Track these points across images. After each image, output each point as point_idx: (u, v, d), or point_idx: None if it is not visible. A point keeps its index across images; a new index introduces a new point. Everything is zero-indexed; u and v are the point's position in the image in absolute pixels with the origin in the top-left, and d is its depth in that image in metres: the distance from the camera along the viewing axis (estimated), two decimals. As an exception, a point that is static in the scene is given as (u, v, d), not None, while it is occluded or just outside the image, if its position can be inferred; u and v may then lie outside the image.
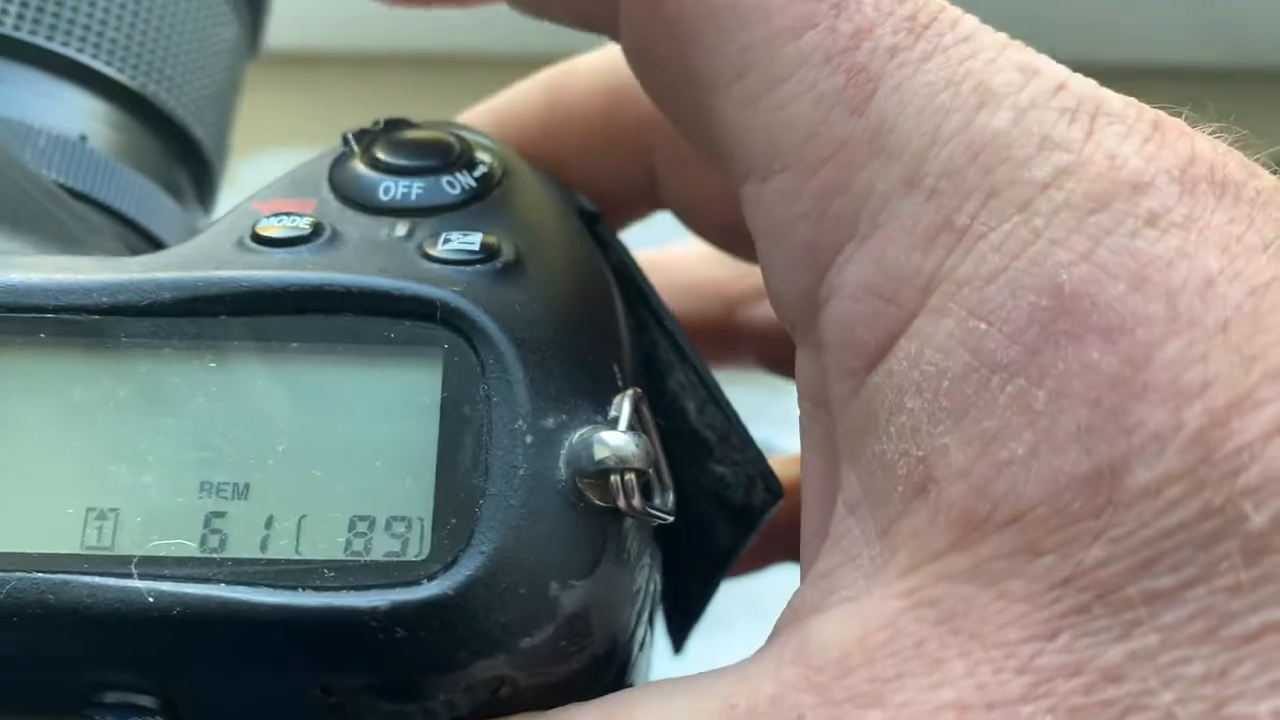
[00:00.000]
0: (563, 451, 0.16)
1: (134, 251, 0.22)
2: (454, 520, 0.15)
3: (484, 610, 0.15)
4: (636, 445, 0.16)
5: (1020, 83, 0.16)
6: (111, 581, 0.15)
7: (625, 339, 0.18)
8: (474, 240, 0.17)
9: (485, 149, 0.18)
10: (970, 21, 0.16)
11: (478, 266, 0.16)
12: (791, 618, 0.16)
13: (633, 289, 0.19)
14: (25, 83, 0.22)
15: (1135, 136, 0.16)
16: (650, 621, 0.18)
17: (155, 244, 0.23)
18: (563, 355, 0.16)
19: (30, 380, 0.16)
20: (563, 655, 0.16)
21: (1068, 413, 0.14)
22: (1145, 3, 0.60)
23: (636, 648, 0.17)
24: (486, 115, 0.22)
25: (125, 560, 0.15)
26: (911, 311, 0.15)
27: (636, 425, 0.16)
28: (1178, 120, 0.16)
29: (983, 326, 0.15)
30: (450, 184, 0.18)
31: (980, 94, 0.15)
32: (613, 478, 0.16)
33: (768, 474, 0.19)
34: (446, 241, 0.17)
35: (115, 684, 0.15)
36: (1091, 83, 0.16)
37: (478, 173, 0.18)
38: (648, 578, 0.17)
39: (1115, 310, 0.14)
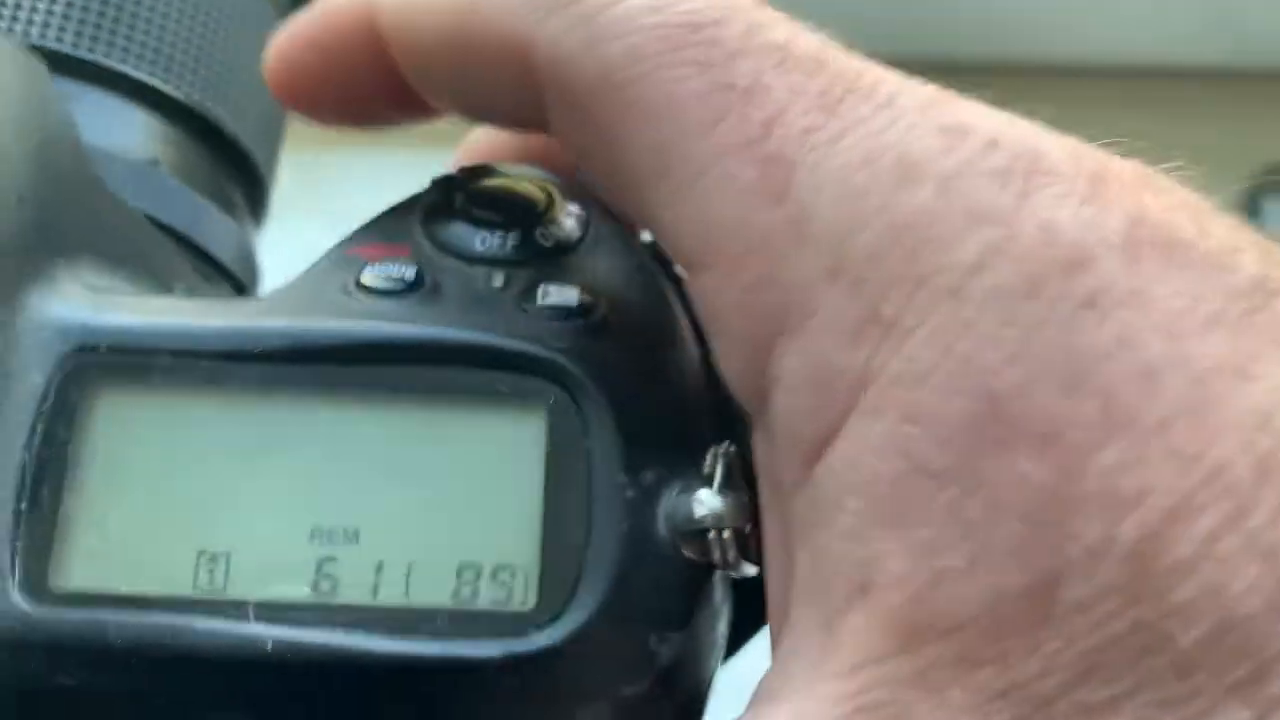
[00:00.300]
0: (661, 507, 0.16)
1: (205, 280, 0.22)
2: (559, 572, 0.16)
3: (590, 661, 0.16)
4: (733, 503, 0.16)
5: (944, 147, 0.15)
6: (227, 625, 0.15)
7: (706, 390, 0.18)
8: (571, 296, 0.17)
9: (573, 196, 0.19)
10: (891, 84, 0.15)
11: (576, 321, 0.17)
12: (756, 700, 0.16)
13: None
14: (95, 105, 0.22)
15: (1073, 198, 0.14)
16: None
17: (218, 268, 0.23)
18: (657, 410, 0.17)
19: (141, 423, 0.16)
20: (656, 705, 0.16)
21: (1003, 526, 0.14)
22: (1145, 3, 0.61)
23: (709, 693, 0.18)
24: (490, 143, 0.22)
25: (239, 604, 0.15)
26: (845, 408, 0.15)
27: (730, 482, 0.16)
28: (1125, 168, 0.15)
29: (915, 431, 0.14)
30: (543, 236, 0.18)
31: (900, 168, 0.15)
32: (710, 535, 0.16)
33: None
34: (545, 295, 0.17)
35: None
36: (1030, 131, 0.15)
37: (567, 224, 0.18)
38: (726, 625, 0.18)
39: (1047, 416, 0.14)
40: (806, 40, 0.16)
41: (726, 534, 0.16)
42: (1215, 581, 0.13)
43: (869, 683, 0.14)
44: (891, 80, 0.16)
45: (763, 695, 0.15)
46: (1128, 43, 0.70)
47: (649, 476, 0.16)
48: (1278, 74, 0.63)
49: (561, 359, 0.16)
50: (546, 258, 0.18)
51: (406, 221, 0.19)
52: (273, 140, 0.28)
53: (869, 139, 0.15)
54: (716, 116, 0.15)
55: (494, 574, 0.16)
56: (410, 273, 0.17)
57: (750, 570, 0.17)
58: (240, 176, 0.25)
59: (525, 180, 0.19)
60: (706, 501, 0.16)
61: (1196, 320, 0.14)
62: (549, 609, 0.15)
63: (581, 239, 0.18)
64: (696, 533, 0.16)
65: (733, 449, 0.17)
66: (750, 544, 0.17)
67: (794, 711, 0.14)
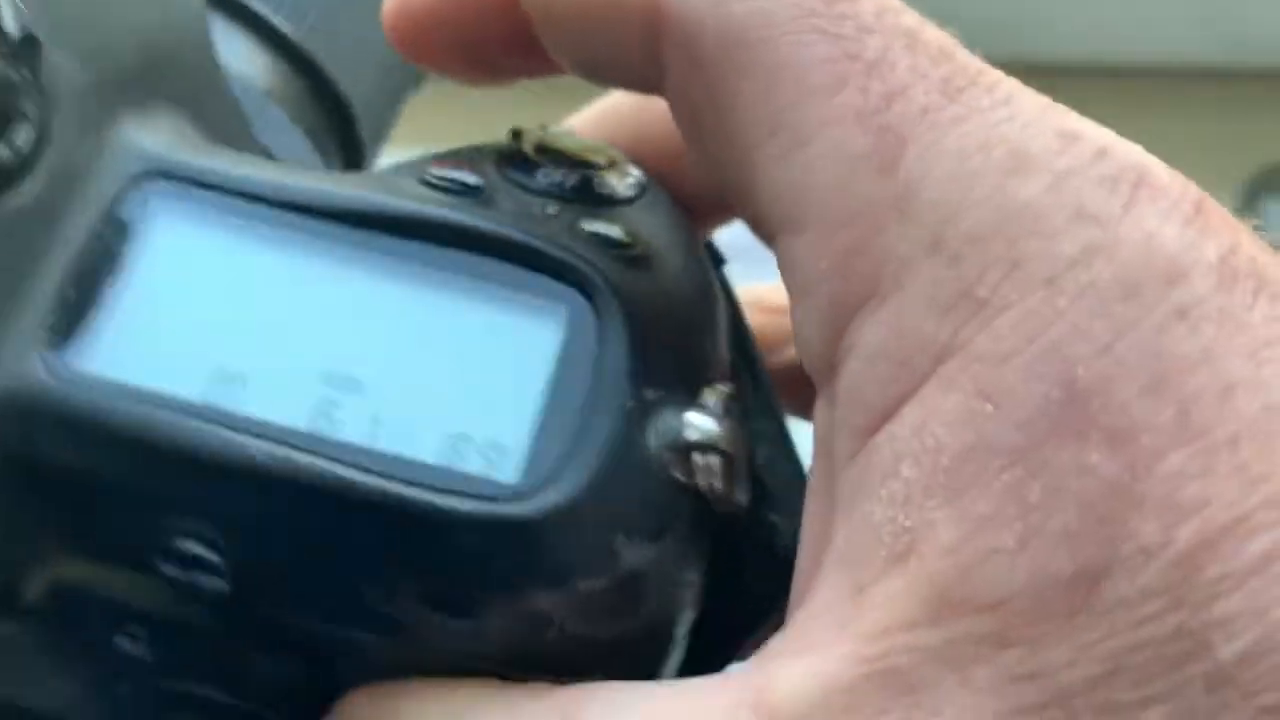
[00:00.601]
0: (656, 423, 0.17)
1: None
2: (545, 459, 0.16)
3: (555, 542, 0.16)
4: (723, 429, 0.17)
5: (1058, 149, 0.15)
6: (223, 434, 0.16)
7: (725, 355, 0.19)
8: (615, 230, 0.18)
9: (637, 167, 0.20)
10: (1010, 85, 0.16)
11: (614, 250, 0.18)
12: (764, 656, 0.16)
13: (739, 328, 0.20)
14: (218, 30, 0.23)
15: (1177, 216, 0.15)
16: (686, 636, 0.18)
17: None
18: (673, 344, 0.18)
19: (192, 244, 0.18)
20: (611, 612, 0.17)
21: (1060, 512, 0.14)
22: (1146, 3, 0.61)
23: (673, 648, 0.18)
24: (583, 122, 0.23)
25: (240, 418, 0.16)
26: (921, 378, 0.15)
27: (727, 414, 0.17)
28: (1220, 205, 0.16)
29: (989, 408, 0.14)
30: (600, 185, 0.19)
31: (1014, 159, 0.15)
32: (696, 456, 0.16)
33: None
34: (592, 224, 0.18)
35: (193, 533, 0.16)
36: (1137, 149, 0.16)
37: (628, 181, 0.19)
38: (698, 589, 0.18)
39: (1125, 414, 0.14)
40: (934, 32, 0.16)
41: (714, 459, 0.16)
42: (1263, 600, 0.13)
43: (893, 648, 0.14)
44: (1011, 82, 0.16)
45: (774, 650, 0.15)
46: (1128, 43, 0.70)
47: (650, 395, 0.17)
48: (1277, 74, 0.63)
49: (592, 272, 0.17)
50: (600, 203, 0.19)
51: (480, 153, 0.20)
52: (382, 99, 0.28)
53: (986, 128, 0.15)
54: (839, 83, 0.16)
55: (484, 446, 0.16)
56: (473, 180, 0.18)
57: (739, 500, 0.17)
58: (339, 127, 0.26)
59: (593, 144, 0.20)
60: (697, 423, 0.17)
61: (1278, 350, 0.14)
62: (527, 487, 0.16)
63: (635, 199, 0.19)
64: (683, 451, 0.16)
65: (735, 391, 0.17)
66: (738, 475, 0.17)
67: (808, 668, 0.14)
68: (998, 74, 0.16)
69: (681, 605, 0.18)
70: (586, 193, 0.19)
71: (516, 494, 0.16)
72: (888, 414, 0.15)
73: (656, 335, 0.17)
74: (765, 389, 0.20)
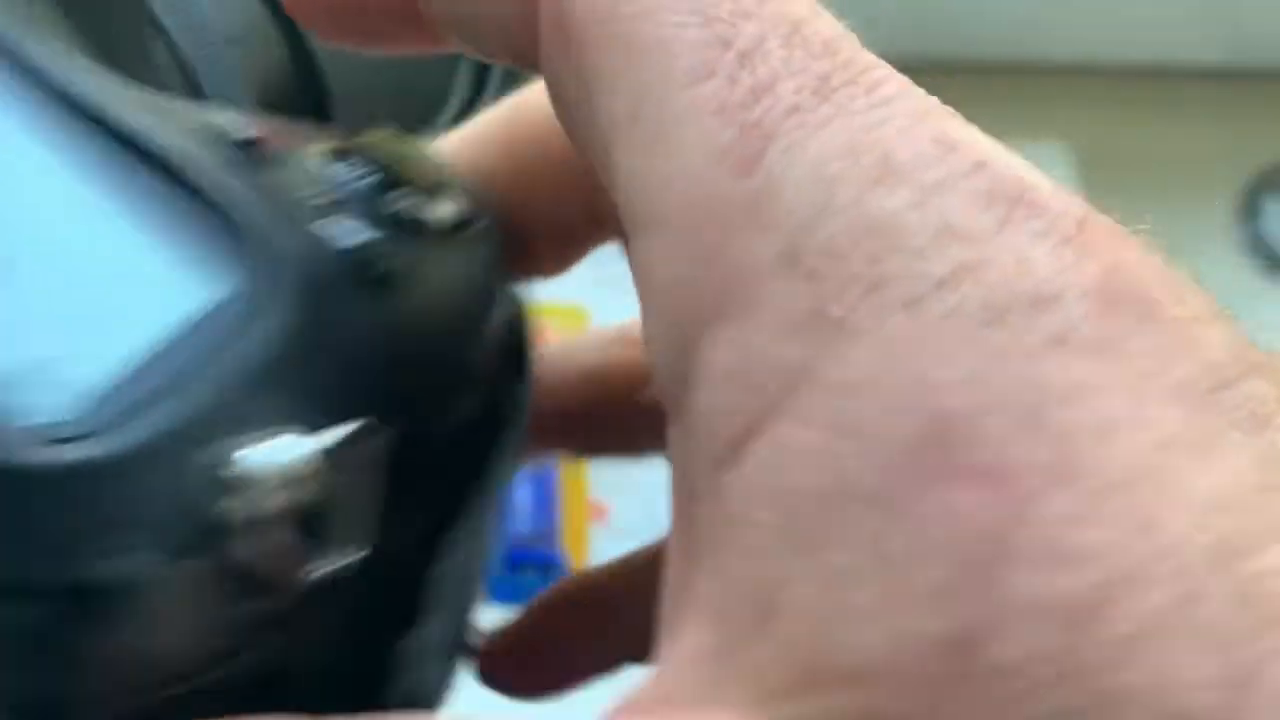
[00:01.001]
0: (227, 442, 0.14)
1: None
2: (97, 417, 0.14)
3: (44, 507, 0.14)
4: (301, 463, 0.14)
5: (932, 158, 0.14)
6: None
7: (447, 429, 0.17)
8: (361, 238, 0.16)
9: (474, 207, 0.18)
10: (895, 85, 0.15)
11: (346, 259, 0.16)
12: (629, 706, 0.14)
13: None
14: None
15: (1053, 236, 0.14)
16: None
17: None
18: (335, 377, 0.15)
19: None
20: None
21: (927, 565, 0.13)
22: (1145, 3, 0.61)
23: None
24: (455, 141, 0.21)
25: None
26: (770, 411, 0.13)
27: (340, 455, 0.14)
28: (1107, 222, 0.14)
29: (845, 445, 0.13)
30: (393, 198, 0.17)
31: (881, 167, 0.14)
32: (236, 502, 0.14)
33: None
34: (337, 228, 0.16)
35: None
36: (1021, 165, 0.14)
37: (439, 210, 0.17)
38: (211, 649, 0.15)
39: (997, 451, 0.13)
40: (823, 23, 0.15)
41: (270, 494, 0.14)
42: (1162, 668, 0.12)
43: None
44: (896, 82, 0.15)
45: (641, 704, 0.14)
46: (1127, 43, 0.70)
47: (260, 406, 0.14)
48: (1277, 74, 0.63)
49: (281, 250, 0.15)
50: (387, 211, 0.17)
51: (343, 136, 0.18)
52: (371, 98, 0.26)
53: (856, 131, 0.14)
54: (706, 71, 0.15)
55: (54, 378, 0.14)
56: (251, 134, 0.16)
57: (290, 576, 0.14)
58: (312, 109, 0.24)
59: (437, 165, 0.18)
60: (266, 451, 0.14)
61: (1162, 386, 0.13)
62: (59, 435, 0.14)
63: (438, 229, 0.17)
64: (223, 487, 0.14)
65: (378, 431, 0.15)
66: (327, 534, 0.15)
67: None
68: (885, 72, 0.15)
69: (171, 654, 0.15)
70: (373, 198, 0.17)
71: (39, 439, 0.14)
72: (739, 448, 0.14)
73: (325, 357, 0.15)
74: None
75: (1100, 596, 0.12)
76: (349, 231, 0.16)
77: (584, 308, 0.59)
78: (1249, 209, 0.77)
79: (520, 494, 0.54)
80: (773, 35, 0.15)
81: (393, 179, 0.17)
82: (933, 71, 0.16)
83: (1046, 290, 0.13)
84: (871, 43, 0.16)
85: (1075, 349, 0.13)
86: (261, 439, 0.14)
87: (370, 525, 0.15)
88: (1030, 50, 0.71)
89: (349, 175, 0.17)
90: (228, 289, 0.15)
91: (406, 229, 0.16)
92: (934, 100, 0.15)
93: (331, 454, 0.14)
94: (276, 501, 0.14)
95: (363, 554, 0.15)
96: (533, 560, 0.54)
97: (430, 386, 0.17)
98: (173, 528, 0.14)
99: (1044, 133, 0.69)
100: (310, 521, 0.14)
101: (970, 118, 0.15)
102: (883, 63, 0.15)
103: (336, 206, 0.16)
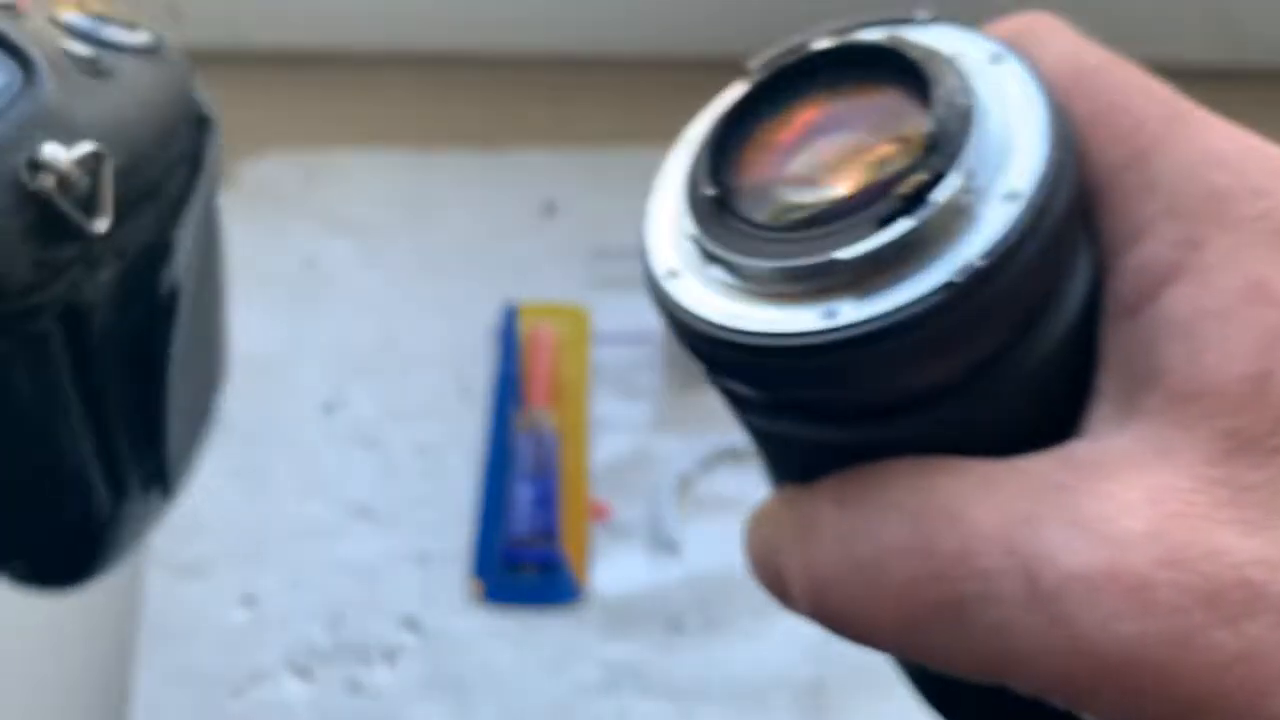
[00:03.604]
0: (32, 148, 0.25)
1: None
2: None
3: None
4: (72, 158, 0.25)
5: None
6: None
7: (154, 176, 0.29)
8: (85, 50, 0.27)
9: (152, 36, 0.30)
10: None
11: (79, 60, 0.27)
12: (1083, 468, 0.19)
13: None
14: None
15: None
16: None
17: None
18: (85, 118, 0.26)
19: None
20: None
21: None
22: (1145, 2, 0.60)
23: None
24: None
25: None
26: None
27: (88, 160, 0.25)
28: None
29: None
30: (104, 30, 0.28)
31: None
32: (42, 175, 0.24)
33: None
34: (71, 43, 0.27)
35: None
36: None
37: (134, 37, 0.29)
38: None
39: None
40: None
41: (51, 178, 0.24)
42: None
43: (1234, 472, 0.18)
44: None
45: (1099, 463, 0.19)
46: (1127, 43, 0.70)
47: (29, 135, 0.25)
48: (1278, 74, 0.63)
49: (39, 57, 0.26)
50: (100, 40, 0.28)
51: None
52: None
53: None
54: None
55: None
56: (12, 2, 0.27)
57: (80, 217, 0.25)
58: None
59: (127, 16, 0.30)
60: (51, 152, 0.24)
61: None
62: None
63: (133, 49, 0.29)
64: (32, 167, 0.24)
65: (108, 160, 0.26)
66: (81, 202, 0.25)
67: (1152, 485, 0.18)
68: None
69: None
70: (93, 28, 0.28)
71: None
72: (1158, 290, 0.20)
73: (76, 109, 0.25)
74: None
75: None
76: (78, 46, 0.27)
77: (584, 307, 0.59)
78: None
79: (520, 493, 0.54)
80: None
81: (104, 20, 0.28)
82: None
83: None
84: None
85: None
86: (45, 150, 0.24)
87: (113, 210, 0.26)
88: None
89: (76, 18, 0.28)
90: (11, 78, 0.25)
91: (115, 46, 0.28)
92: None
93: (85, 159, 0.25)
94: (64, 173, 0.24)
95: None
96: (532, 559, 0.54)
97: (145, 134, 0.28)
98: (4, 190, 0.24)
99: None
100: (86, 195, 0.25)
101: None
102: None
103: (69, 32, 0.27)
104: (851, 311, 0.19)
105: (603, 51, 0.64)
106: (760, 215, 0.21)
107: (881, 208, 0.19)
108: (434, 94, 0.64)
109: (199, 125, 0.31)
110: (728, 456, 0.55)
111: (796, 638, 0.51)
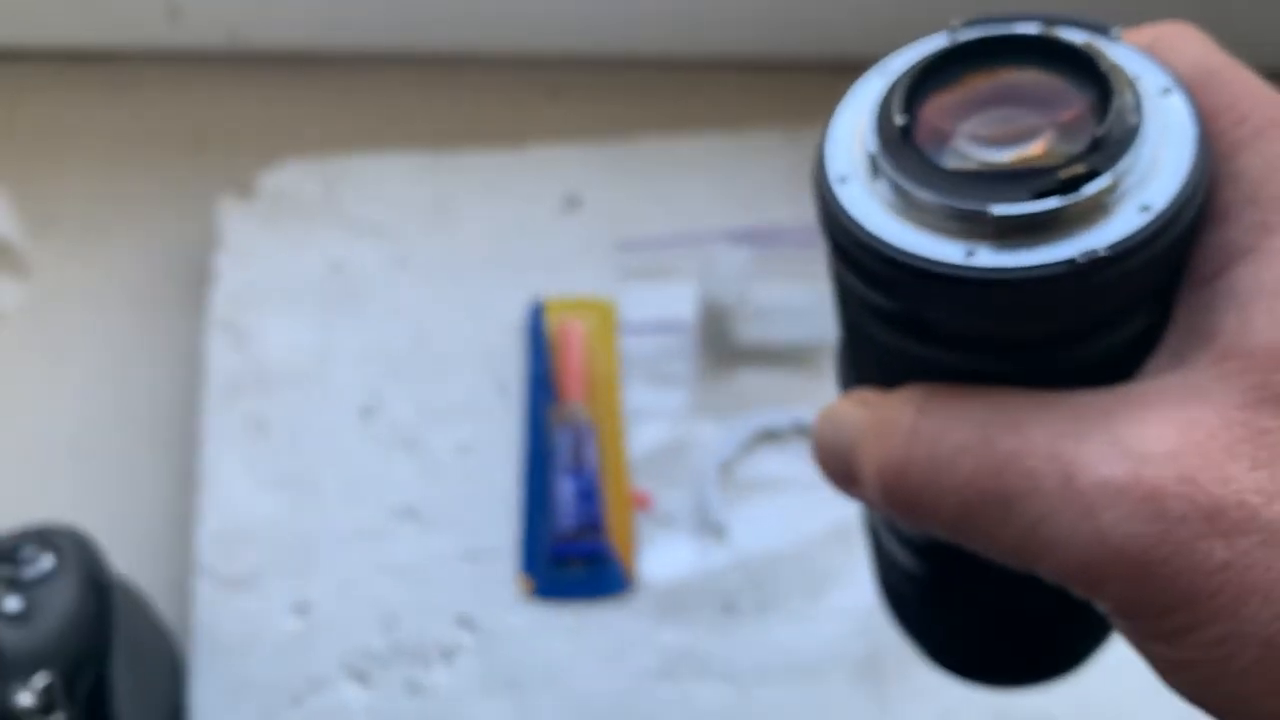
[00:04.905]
0: None
1: None
2: None
3: None
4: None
5: None
6: None
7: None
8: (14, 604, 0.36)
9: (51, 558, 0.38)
10: None
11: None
12: (1122, 401, 0.23)
13: None
14: None
15: None
16: None
17: None
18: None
19: None
20: None
21: None
22: (1146, 2, 0.61)
23: None
24: None
25: None
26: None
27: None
28: None
29: None
30: (16, 567, 0.40)
31: None
32: None
33: None
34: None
35: None
36: None
37: (39, 567, 0.39)
38: None
39: None
40: None
41: None
42: None
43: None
44: None
45: (1142, 396, 0.22)
46: (1250, 49, 0.71)
47: None
48: (1276, 74, 0.64)
49: None
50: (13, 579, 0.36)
51: None
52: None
53: None
54: None
55: None
56: None
57: None
58: None
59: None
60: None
61: None
62: None
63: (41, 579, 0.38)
64: None
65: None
66: None
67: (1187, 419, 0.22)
68: None
69: None
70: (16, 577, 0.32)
71: None
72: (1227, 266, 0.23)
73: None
74: None
75: None
76: (10, 602, 0.32)
77: (610, 300, 0.59)
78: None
79: (562, 488, 0.55)
80: None
81: (18, 558, 0.31)
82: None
83: None
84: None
85: None
86: (19, 698, 0.26)
87: None
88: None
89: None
90: None
91: (34, 582, 0.36)
92: None
93: (41, 692, 0.32)
94: (32, 706, 0.27)
95: None
96: (580, 553, 0.54)
97: (74, 639, 0.37)
98: None
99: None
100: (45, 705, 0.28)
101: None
102: None
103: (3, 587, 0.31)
104: (988, 258, 0.22)
105: (611, 49, 0.64)
106: (934, 154, 0.24)
107: (1040, 182, 0.22)
108: (445, 94, 0.64)
109: (103, 594, 0.44)
110: (766, 438, 0.55)
111: (849, 613, 0.51)
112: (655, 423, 0.56)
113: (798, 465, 0.55)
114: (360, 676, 0.52)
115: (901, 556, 0.32)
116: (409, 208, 0.61)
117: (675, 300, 0.58)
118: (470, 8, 0.63)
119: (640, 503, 0.54)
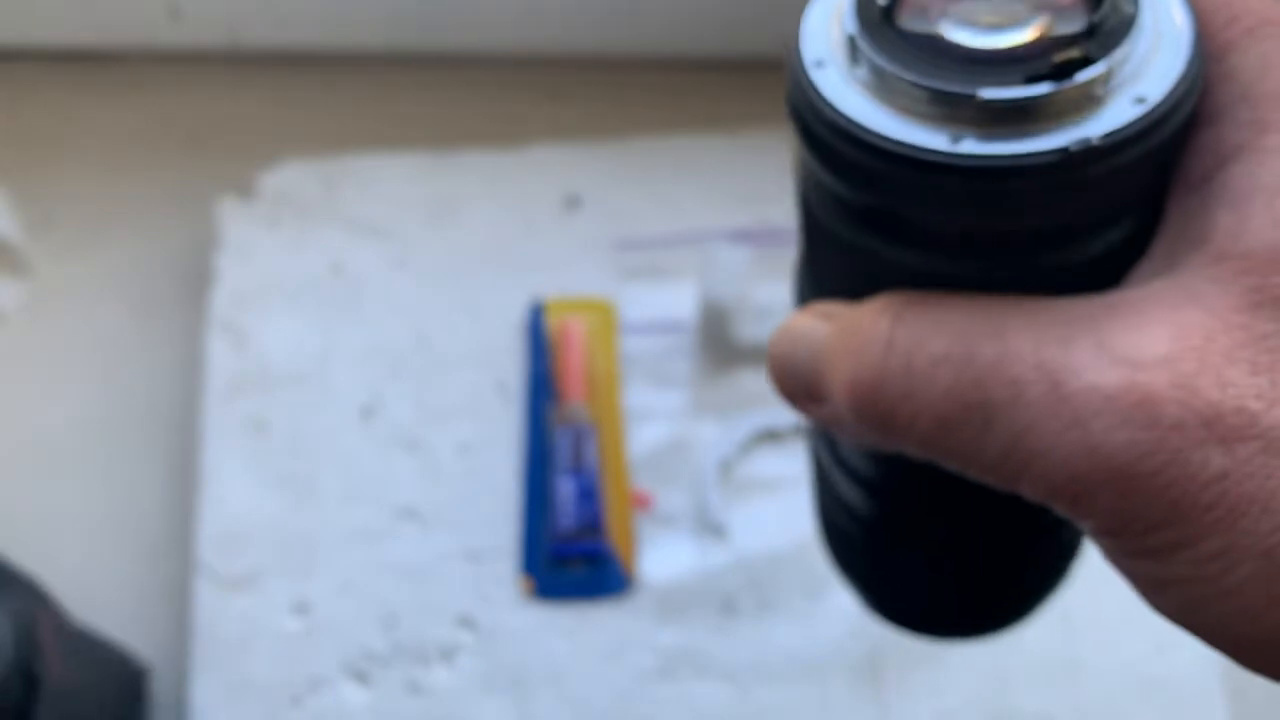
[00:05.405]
0: None
1: None
2: None
3: None
4: None
5: None
6: None
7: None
8: None
9: None
10: None
11: None
12: (1111, 308, 0.21)
13: None
14: None
15: None
16: None
17: None
18: None
19: None
20: None
21: None
22: None
23: None
24: None
25: None
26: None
27: None
28: None
29: None
30: None
31: None
32: None
33: None
34: None
35: None
36: None
37: None
38: None
39: None
40: None
41: None
42: None
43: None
44: None
45: (1144, 297, 0.21)
46: None
47: None
48: None
49: None
50: None
51: None
52: None
53: None
54: None
55: None
56: None
57: None
58: None
59: None
60: None
61: None
62: None
63: None
64: None
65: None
66: None
67: (1192, 325, 0.20)
68: None
69: None
70: None
71: None
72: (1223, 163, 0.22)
73: None
74: None
75: None
76: None
77: (610, 300, 0.59)
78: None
79: (562, 488, 0.55)
80: None
81: None
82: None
83: None
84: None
85: None
86: None
87: None
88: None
89: None
90: None
91: None
92: None
93: None
94: None
95: None
96: (580, 553, 0.54)
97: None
98: None
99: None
100: None
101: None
102: None
103: None
104: (974, 145, 0.21)
105: (611, 49, 0.64)
106: (918, 37, 0.22)
107: (1031, 66, 0.21)
108: (445, 94, 0.64)
109: (31, 685, 0.42)
110: (766, 438, 0.55)
111: (849, 613, 0.51)
112: (655, 423, 0.56)
113: (798, 465, 0.55)
114: (360, 676, 0.52)
115: (851, 495, 0.31)
116: (409, 208, 0.61)
117: (675, 300, 0.58)
118: (470, 8, 0.63)
119: (640, 503, 0.54)
